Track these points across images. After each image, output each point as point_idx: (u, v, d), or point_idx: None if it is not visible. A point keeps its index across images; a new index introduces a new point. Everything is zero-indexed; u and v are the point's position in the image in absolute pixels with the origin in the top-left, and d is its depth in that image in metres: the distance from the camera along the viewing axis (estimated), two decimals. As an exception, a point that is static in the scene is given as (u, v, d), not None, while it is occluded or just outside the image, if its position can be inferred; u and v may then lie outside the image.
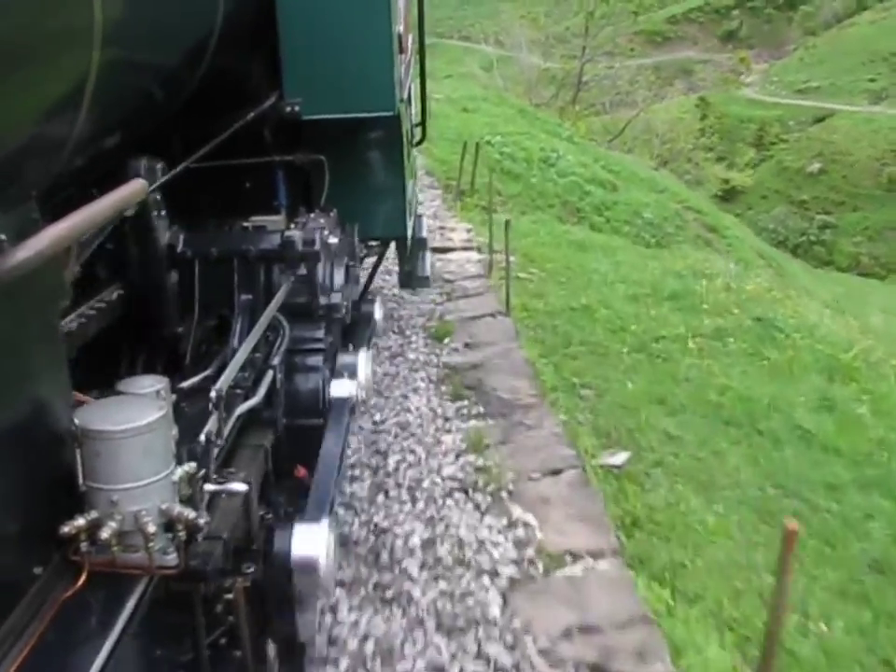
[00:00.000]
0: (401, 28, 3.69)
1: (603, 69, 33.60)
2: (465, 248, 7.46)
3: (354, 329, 3.67)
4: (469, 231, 8.29)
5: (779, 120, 37.53)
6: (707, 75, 38.86)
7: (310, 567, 1.83)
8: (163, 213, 2.41)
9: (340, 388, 2.82)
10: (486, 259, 7.02)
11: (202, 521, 1.55)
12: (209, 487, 1.65)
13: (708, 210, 18.91)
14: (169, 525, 1.52)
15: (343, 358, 3.10)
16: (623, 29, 33.15)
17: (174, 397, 1.81)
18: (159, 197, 2.36)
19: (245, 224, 2.84)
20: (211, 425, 1.81)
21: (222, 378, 1.92)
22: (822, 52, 41.92)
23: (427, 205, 9.41)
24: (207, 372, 2.21)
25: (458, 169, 12.61)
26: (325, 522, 2.03)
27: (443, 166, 13.21)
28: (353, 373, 3.00)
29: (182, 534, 1.52)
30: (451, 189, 11.92)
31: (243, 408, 2.12)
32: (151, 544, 1.44)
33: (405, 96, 4.18)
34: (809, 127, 37.18)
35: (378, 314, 4.03)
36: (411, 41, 4.36)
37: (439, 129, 17.25)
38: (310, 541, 1.83)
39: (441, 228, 8.30)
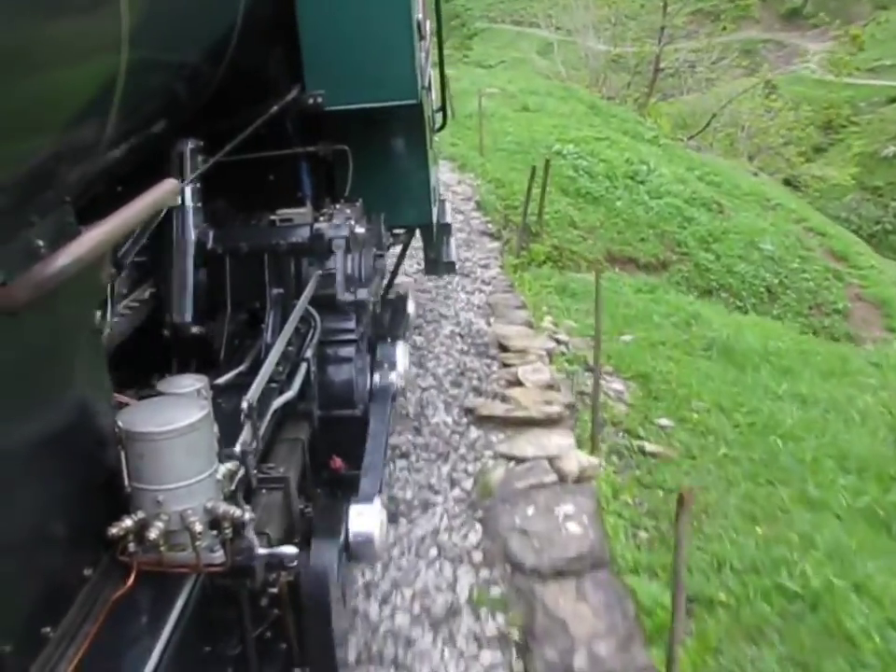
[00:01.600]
0: (420, 14, 4.32)
1: (683, 52, 35.41)
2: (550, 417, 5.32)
3: (391, 323, 4.59)
4: (552, 335, 6.88)
5: (849, 102, 40.71)
6: (769, 55, 41.85)
7: (366, 540, 2.57)
8: (199, 205, 2.98)
9: (382, 378, 3.75)
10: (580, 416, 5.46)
11: (246, 517, 2.01)
12: (253, 481, 2.31)
13: (834, 231, 18.20)
14: (214, 522, 1.97)
15: (383, 350, 3.95)
16: (678, 9, 36.17)
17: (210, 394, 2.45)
18: (198, 186, 2.94)
19: (273, 217, 3.46)
20: (246, 434, 2.32)
21: (258, 378, 2.43)
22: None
23: (476, 268, 8.72)
24: (242, 368, 2.81)
25: (517, 194, 11.65)
26: (377, 500, 2.76)
27: (500, 190, 12.45)
28: (392, 364, 3.87)
29: (228, 531, 1.97)
30: (509, 225, 11.04)
31: (278, 402, 2.70)
32: (198, 542, 1.87)
33: (426, 83, 4.81)
34: (882, 108, 41.05)
35: (411, 308, 5.16)
36: (429, 26, 5.09)
37: (493, 134, 16.06)
38: (366, 519, 2.59)
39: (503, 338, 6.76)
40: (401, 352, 4.08)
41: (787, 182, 31.01)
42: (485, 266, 9.35)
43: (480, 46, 51.89)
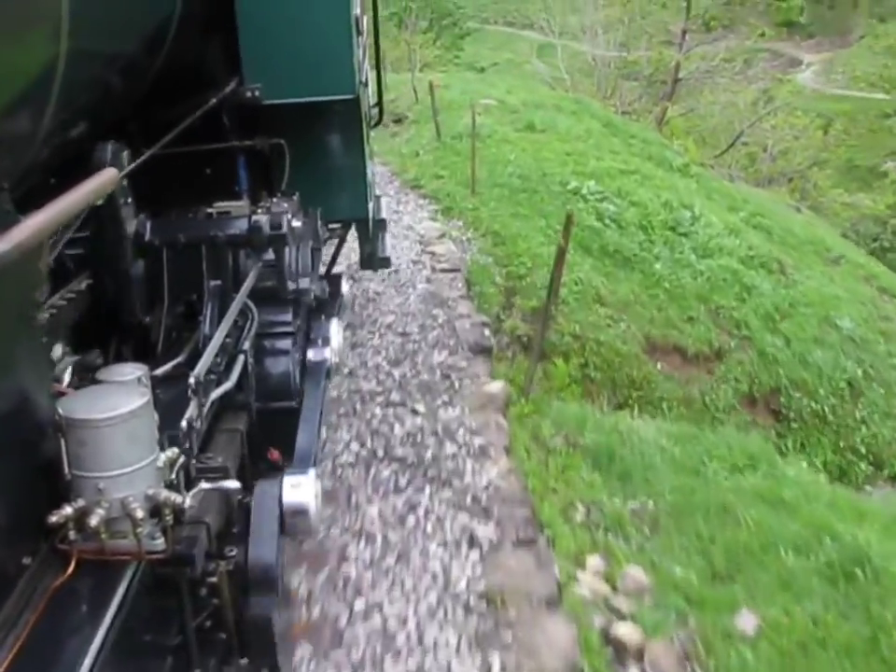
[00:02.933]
0: (358, 10, 5.48)
1: (698, 60, 39.83)
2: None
3: (324, 302, 5.78)
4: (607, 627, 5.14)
5: (847, 115, 50.61)
6: (765, 64, 48.14)
7: (301, 512, 3.32)
8: (130, 200, 3.69)
9: (316, 354, 4.89)
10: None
11: (187, 505, 2.69)
12: (202, 486, 2.91)
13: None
14: (155, 510, 2.60)
15: (317, 327, 5.11)
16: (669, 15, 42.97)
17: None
18: (125, 184, 3.60)
19: (210, 210, 4.28)
20: (192, 410, 3.06)
21: (200, 363, 3.21)
22: (893, 40, 58.61)
23: (463, 460, 6.75)
24: (179, 359, 3.60)
25: (523, 257, 11.70)
26: (312, 472, 3.50)
27: (499, 249, 12.17)
28: (326, 340, 5.02)
29: (169, 519, 2.61)
30: (513, 314, 10.87)
31: (217, 393, 3.49)
32: (139, 530, 2.49)
33: (364, 78, 6.11)
34: (883, 122, 52.93)
35: (345, 287, 6.67)
36: (366, 22, 6.50)
37: (490, 164, 16.25)
38: (299, 490, 3.35)
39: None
40: (335, 329, 5.26)
41: (812, 209, 33.96)
42: (483, 453, 7.02)
43: (471, 47, 59.64)
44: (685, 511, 6.72)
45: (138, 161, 3.67)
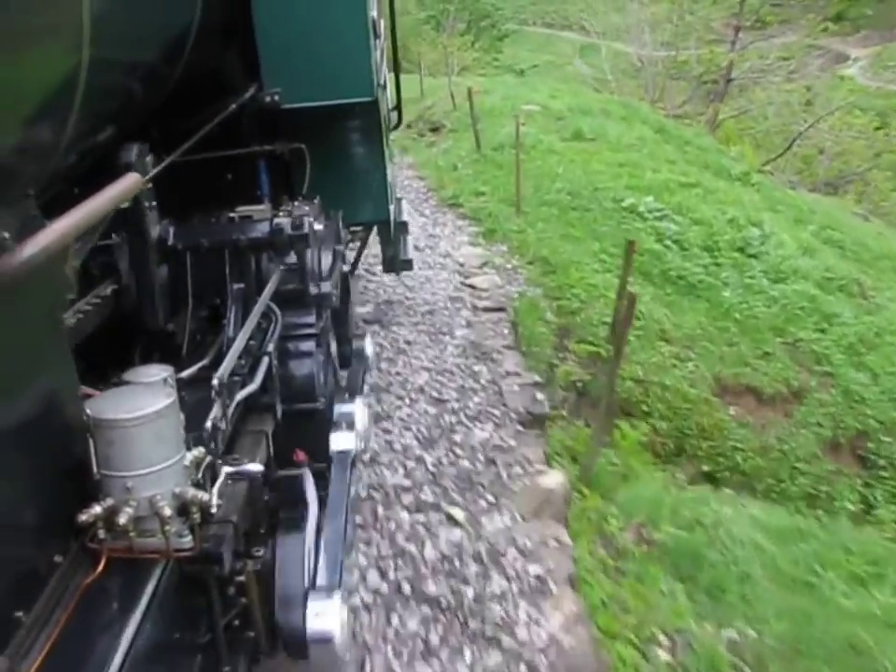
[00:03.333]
0: (375, 13, 5.96)
1: (758, 58, 42.16)
2: None
3: (348, 373, 6.10)
4: None
5: None
6: (810, 60, 50.10)
7: (325, 640, 3.60)
8: (154, 205, 4.11)
9: (339, 441, 5.02)
10: None
11: (214, 503, 3.03)
12: (226, 470, 3.32)
13: None
14: (182, 508, 2.95)
15: (341, 408, 5.27)
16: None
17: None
18: (150, 187, 4.02)
19: (232, 215, 4.78)
20: (216, 411, 3.43)
21: (223, 365, 3.57)
22: (947, 33, 61.23)
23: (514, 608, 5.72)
24: (204, 362, 4.02)
25: (577, 288, 11.53)
26: (337, 597, 3.73)
27: (549, 278, 11.92)
28: (351, 424, 5.18)
29: (196, 517, 2.96)
30: (566, 359, 10.49)
31: (242, 394, 3.87)
32: (167, 528, 2.84)
33: (382, 81, 6.67)
34: None
35: (369, 350, 6.77)
36: (383, 25, 7.07)
37: (536, 178, 16.62)
38: (325, 616, 3.61)
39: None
40: (360, 409, 5.44)
41: (874, 215, 34.38)
42: (540, 590, 6.02)
43: (510, 49, 64.16)
44: (801, 648, 5.78)
45: (161, 165, 4.07)
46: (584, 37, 61.48)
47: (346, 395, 5.62)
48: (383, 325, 10.47)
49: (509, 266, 12.74)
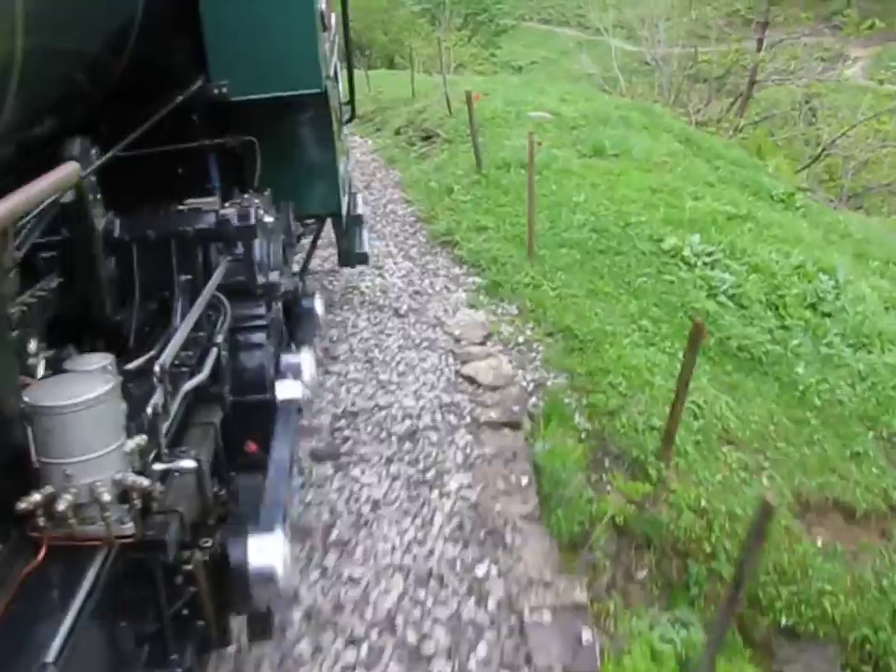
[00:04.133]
0: (323, 5, 7.05)
1: (791, 59, 43.87)
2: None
3: (296, 327, 7.32)
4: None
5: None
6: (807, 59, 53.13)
7: (267, 577, 4.43)
8: (99, 197, 4.85)
9: (286, 390, 6.00)
10: None
11: (155, 490, 3.78)
12: (160, 464, 4.12)
13: None
14: (123, 495, 3.62)
15: (287, 359, 6.34)
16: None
17: (120, 379, 4.01)
18: (94, 180, 4.76)
19: (180, 207, 5.57)
20: (157, 398, 4.16)
21: (165, 353, 4.31)
22: (949, 30, 64.32)
23: None
24: (151, 353, 4.78)
25: (616, 375, 10.41)
26: (279, 531, 4.51)
27: (574, 360, 11.20)
28: (297, 374, 6.17)
29: (137, 503, 3.64)
30: (610, 482, 9.02)
31: (189, 385, 4.67)
32: (107, 514, 3.49)
33: (331, 73, 7.65)
34: None
35: (319, 309, 8.25)
36: (334, 18, 8.58)
37: (551, 207, 16.19)
38: (266, 552, 4.41)
39: None
40: (307, 360, 6.51)
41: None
42: None
43: (507, 45, 68.49)
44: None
45: (104, 158, 4.70)
46: (582, 34, 68.51)
47: (293, 347, 6.72)
48: (338, 464, 9.22)
49: (521, 340, 11.70)
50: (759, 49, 43.72)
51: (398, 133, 27.65)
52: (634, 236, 14.81)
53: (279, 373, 6.27)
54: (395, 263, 14.67)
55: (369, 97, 33.41)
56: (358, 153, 24.61)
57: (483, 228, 15.59)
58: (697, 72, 46.61)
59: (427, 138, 25.28)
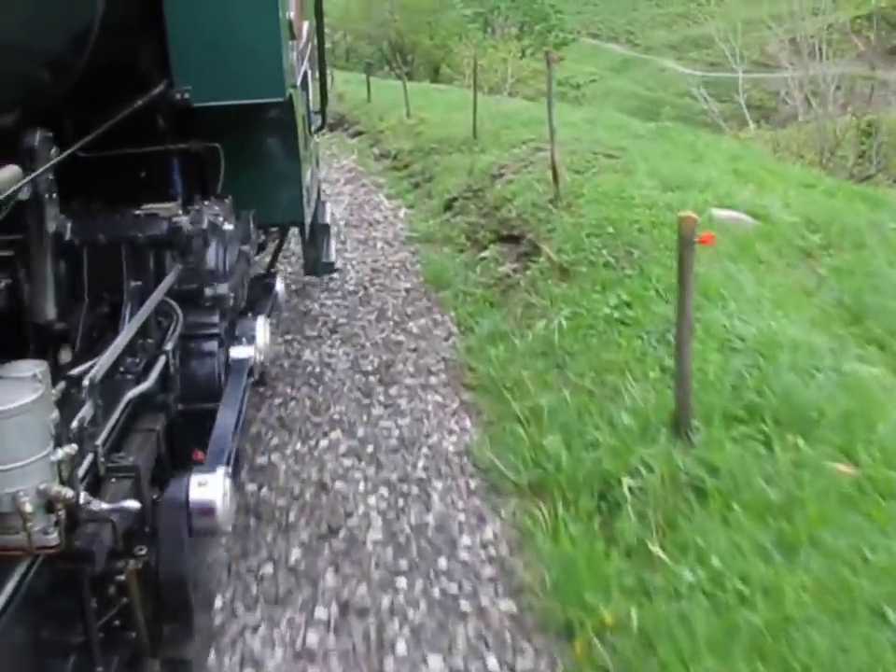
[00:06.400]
0: (292, 14, 7.10)
1: None
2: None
3: (255, 298, 7.66)
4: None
5: None
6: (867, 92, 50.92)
7: (207, 510, 4.59)
8: (54, 197, 4.79)
9: (238, 352, 6.43)
10: None
11: (82, 500, 3.69)
12: (93, 473, 3.98)
13: None
14: (49, 505, 3.55)
15: (243, 324, 6.69)
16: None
17: (62, 384, 4.20)
18: (51, 178, 4.72)
19: (137, 212, 5.50)
20: (85, 410, 4.11)
21: (99, 363, 4.32)
22: None
23: None
24: (96, 360, 4.53)
25: None
26: (221, 470, 4.72)
27: None
28: (251, 338, 6.58)
29: (62, 513, 3.55)
30: None
31: (132, 393, 4.69)
32: (29, 524, 3.41)
33: (297, 82, 7.63)
34: None
35: (279, 286, 8.83)
36: (306, 27, 8.64)
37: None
38: (207, 487, 4.57)
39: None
40: (262, 326, 6.87)
41: None
42: None
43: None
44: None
45: (62, 155, 4.69)
46: (630, 51, 68.70)
47: (249, 314, 6.98)
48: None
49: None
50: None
51: (448, 207, 16.98)
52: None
53: (235, 338, 6.66)
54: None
55: (406, 128, 25.84)
56: (390, 232, 17.16)
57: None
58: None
59: (508, 240, 14.07)
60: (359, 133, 28.99)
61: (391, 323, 12.43)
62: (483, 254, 14.22)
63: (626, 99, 50.77)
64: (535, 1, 66.59)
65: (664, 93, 49.80)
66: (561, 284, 11.80)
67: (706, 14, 55.78)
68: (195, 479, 4.74)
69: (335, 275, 13.65)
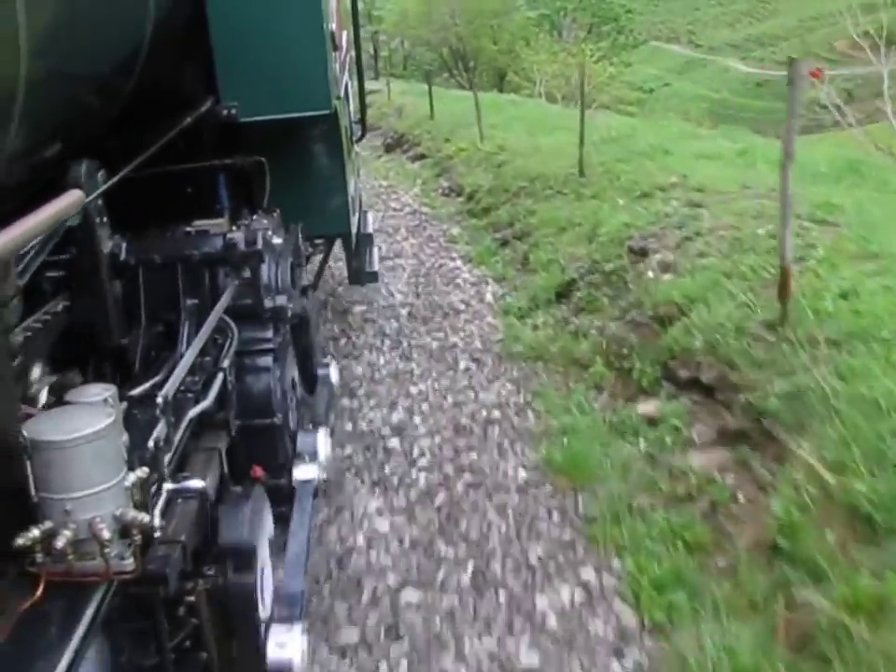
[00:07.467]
0: (334, 25, 7.13)
1: None
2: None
3: (312, 402, 7.41)
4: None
5: None
6: None
7: (286, 668, 4.55)
8: (105, 220, 4.85)
9: (302, 472, 6.24)
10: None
11: (156, 524, 3.76)
12: (167, 488, 4.12)
13: None
14: (124, 530, 3.60)
15: (304, 439, 6.46)
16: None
17: (124, 405, 4.16)
18: (101, 203, 4.73)
19: (188, 229, 5.62)
20: (159, 430, 4.13)
21: (169, 382, 4.31)
22: None
23: None
24: (156, 379, 4.73)
25: None
26: (298, 627, 4.72)
27: None
28: (313, 455, 6.43)
29: (137, 538, 3.59)
30: None
31: (193, 412, 4.67)
32: (107, 550, 3.45)
33: (341, 93, 7.76)
34: None
35: (335, 377, 8.24)
36: (345, 38, 8.80)
37: None
38: (285, 646, 4.61)
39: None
40: (322, 440, 6.67)
41: None
42: None
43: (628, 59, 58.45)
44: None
45: (112, 181, 4.68)
46: (692, 52, 68.42)
47: (310, 426, 6.84)
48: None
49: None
50: None
51: (563, 294, 12.48)
52: None
53: (296, 454, 6.58)
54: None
55: (482, 156, 21.29)
56: (475, 333, 12.61)
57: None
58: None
59: (691, 386, 8.69)
60: (421, 157, 25.84)
61: (501, 598, 6.91)
62: (644, 408, 8.79)
63: (691, 101, 48.96)
64: (604, 1, 64.20)
65: (728, 94, 48.08)
66: (860, 547, 5.78)
67: (770, 11, 51.74)
68: (273, 638, 4.91)
69: (395, 446, 9.19)
